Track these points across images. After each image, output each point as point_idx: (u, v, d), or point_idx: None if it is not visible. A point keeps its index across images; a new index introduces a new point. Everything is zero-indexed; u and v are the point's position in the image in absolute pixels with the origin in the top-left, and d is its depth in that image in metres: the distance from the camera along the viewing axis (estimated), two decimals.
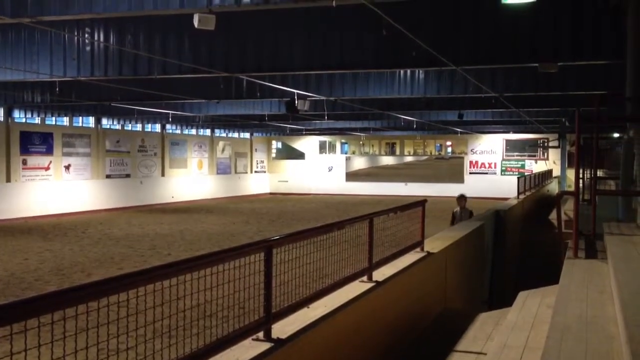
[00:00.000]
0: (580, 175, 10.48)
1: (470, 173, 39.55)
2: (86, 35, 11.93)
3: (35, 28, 11.44)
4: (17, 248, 17.02)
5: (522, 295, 6.77)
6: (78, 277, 13.02)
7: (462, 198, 12.79)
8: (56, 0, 9.47)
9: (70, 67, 12.52)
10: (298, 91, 16.32)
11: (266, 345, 3.91)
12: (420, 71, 15.71)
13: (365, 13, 8.88)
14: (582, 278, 5.82)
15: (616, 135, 21.89)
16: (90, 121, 29.00)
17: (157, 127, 33.28)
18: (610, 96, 14.75)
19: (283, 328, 4.19)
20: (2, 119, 24.74)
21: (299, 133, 39.41)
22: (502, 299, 10.11)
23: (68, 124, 28.01)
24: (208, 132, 37.58)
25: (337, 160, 42.57)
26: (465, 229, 10.05)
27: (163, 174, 33.50)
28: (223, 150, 39.06)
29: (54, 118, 27.06)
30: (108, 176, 29.69)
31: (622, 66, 10.44)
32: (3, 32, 12.51)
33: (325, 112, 21.33)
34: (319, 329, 4.46)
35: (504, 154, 39.04)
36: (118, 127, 30.99)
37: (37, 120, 26.50)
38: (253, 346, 3.87)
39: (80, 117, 28.01)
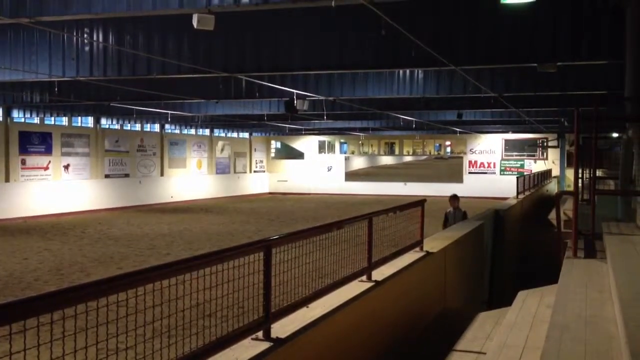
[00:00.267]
0: (580, 175, 10.49)
1: (469, 173, 39.57)
2: (85, 36, 11.93)
3: (34, 28, 11.43)
4: (16, 248, 17.01)
5: (521, 295, 6.78)
6: (77, 276, 13.02)
7: (454, 198, 12.41)
8: (55, 0, 9.47)
9: (69, 67, 12.50)
10: (297, 91, 16.31)
11: (265, 345, 3.90)
12: (419, 71, 15.70)
13: (365, 13, 8.87)
14: (582, 278, 5.83)
15: (615, 135, 21.93)
16: (89, 121, 28.99)
17: (156, 127, 33.27)
18: (609, 96, 14.78)
19: (282, 328, 4.19)
20: (1, 119, 24.73)
21: (298, 133, 39.41)
22: (502, 299, 10.11)
23: (67, 124, 28.01)
24: (207, 131, 37.58)
25: (336, 160, 42.58)
26: (464, 229, 10.05)
27: (162, 174, 33.49)
28: (222, 150, 39.05)
29: (52, 118, 27.04)
30: (107, 176, 29.68)
31: (622, 66, 10.46)
32: (2, 32, 12.49)
33: (325, 112, 21.32)
34: (318, 328, 4.46)
35: (503, 153, 39.06)
36: (117, 127, 30.97)
37: (36, 120, 26.49)
38: (252, 346, 3.87)
39: (79, 117, 28.00)
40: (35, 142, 26.00)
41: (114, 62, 12.33)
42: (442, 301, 8.16)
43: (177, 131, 35.18)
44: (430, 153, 44.11)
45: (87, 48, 12.31)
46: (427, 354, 6.34)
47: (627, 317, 3.77)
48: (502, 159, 39.02)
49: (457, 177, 40.21)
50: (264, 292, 3.95)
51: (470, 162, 39.66)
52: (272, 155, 43.85)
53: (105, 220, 24.26)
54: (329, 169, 42.24)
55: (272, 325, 4.04)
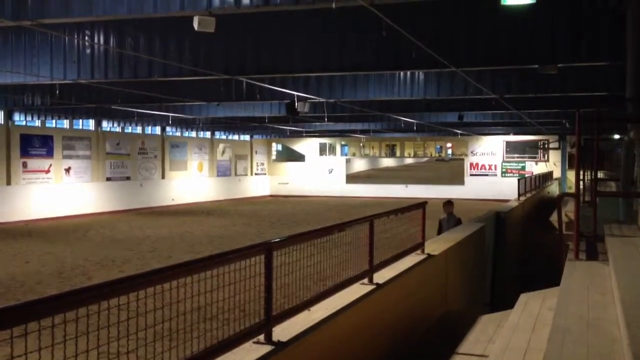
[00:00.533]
0: (581, 177, 10.47)
1: (470, 175, 39.54)
2: (86, 38, 11.93)
3: (36, 31, 11.44)
4: (18, 251, 17.01)
5: (523, 297, 6.77)
6: (79, 280, 13.02)
7: (449, 204, 11.85)
8: (56, 3, 9.47)
9: (71, 70, 12.51)
10: (298, 93, 16.31)
11: (267, 348, 3.90)
12: (420, 73, 15.69)
13: (365, 15, 8.87)
14: (584, 280, 5.82)
15: (617, 136, 21.93)
16: (91, 124, 29.01)
17: (157, 130, 33.28)
18: (609, 97, 14.77)
19: (284, 331, 4.18)
20: (2, 122, 24.76)
21: (299, 135, 39.39)
22: (504, 301, 10.09)
23: (68, 127, 28.01)
24: (208, 134, 37.59)
25: (337, 162, 42.57)
26: (465, 231, 10.04)
27: (163, 177, 33.50)
28: (223, 152, 39.05)
29: (54, 121, 27.03)
30: (108, 179, 29.69)
31: (621, 67, 10.45)
32: (3, 35, 12.50)
33: (325, 114, 21.31)
34: (319, 331, 4.45)
35: (505, 155, 39.03)
36: (118, 129, 30.97)
37: (38, 123, 26.49)
38: (254, 349, 3.87)
39: (81, 120, 27.98)
40: (37, 145, 26.02)
41: (115, 64, 12.34)
42: (443, 304, 8.15)
43: (178, 134, 35.19)
44: (431, 155, 44.07)
45: (88, 51, 12.32)
46: (429, 356, 6.32)
47: (629, 319, 3.76)
48: (504, 161, 38.99)
49: (458, 179, 40.19)
50: (265, 295, 3.95)
51: (471, 164, 39.64)
52: (273, 157, 43.85)
53: (107, 223, 24.26)
54: (330, 172, 42.24)
55: (273, 329, 4.04)
